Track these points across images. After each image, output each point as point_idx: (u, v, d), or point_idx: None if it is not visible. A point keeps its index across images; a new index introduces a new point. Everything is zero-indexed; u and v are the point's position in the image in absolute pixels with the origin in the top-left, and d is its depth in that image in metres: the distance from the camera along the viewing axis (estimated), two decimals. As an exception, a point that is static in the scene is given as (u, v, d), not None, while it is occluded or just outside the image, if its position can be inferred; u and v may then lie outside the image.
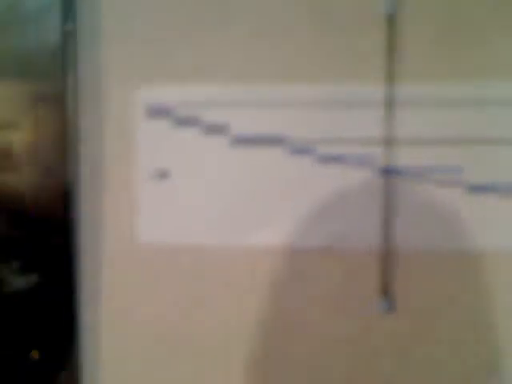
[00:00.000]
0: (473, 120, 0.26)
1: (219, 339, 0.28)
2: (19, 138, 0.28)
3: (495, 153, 0.26)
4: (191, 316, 0.28)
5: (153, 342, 0.28)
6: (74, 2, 0.28)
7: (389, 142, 0.26)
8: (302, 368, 0.27)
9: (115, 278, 0.28)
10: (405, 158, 0.26)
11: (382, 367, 0.27)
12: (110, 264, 0.28)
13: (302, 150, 0.27)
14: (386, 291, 0.27)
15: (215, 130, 0.27)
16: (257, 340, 0.27)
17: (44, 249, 0.28)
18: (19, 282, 0.29)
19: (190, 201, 0.28)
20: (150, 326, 0.28)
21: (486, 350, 0.26)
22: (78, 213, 0.28)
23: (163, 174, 0.28)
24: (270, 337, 0.27)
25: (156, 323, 0.28)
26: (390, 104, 0.26)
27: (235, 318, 0.27)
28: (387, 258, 0.26)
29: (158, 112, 0.28)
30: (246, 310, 0.27)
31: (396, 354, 0.27)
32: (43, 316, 0.28)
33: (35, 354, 0.28)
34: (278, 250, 0.27)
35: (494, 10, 0.26)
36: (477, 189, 0.26)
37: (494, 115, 0.26)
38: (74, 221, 0.28)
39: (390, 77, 0.26)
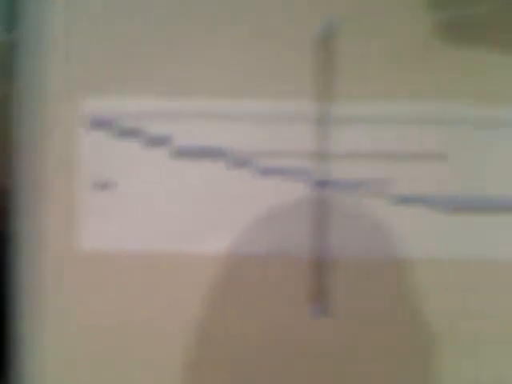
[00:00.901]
0: (403, 136, 0.28)
1: (158, 346, 0.28)
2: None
3: (423, 167, 0.28)
4: (134, 324, 0.28)
5: (96, 351, 0.28)
6: (18, 11, 0.28)
7: (323, 156, 0.28)
8: (239, 372, 0.28)
9: (58, 289, 0.28)
10: (339, 171, 0.28)
11: (315, 371, 0.28)
12: (52, 274, 0.28)
13: (242, 162, 0.28)
14: (317, 298, 0.28)
15: (157, 141, 0.28)
16: (194, 345, 0.28)
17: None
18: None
19: (133, 211, 0.28)
20: (93, 334, 0.28)
21: (418, 353, 0.28)
22: (19, 224, 0.28)
23: (106, 184, 0.28)
24: (207, 343, 0.28)
25: (99, 332, 0.28)
26: (324, 120, 0.28)
27: (176, 325, 0.28)
28: (321, 266, 0.28)
29: (100, 123, 0.28)
30: (185, 316, 0.28)
31: (328, 358, 0.28)
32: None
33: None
34: (217, 258, 0.28)
35: (429, 33, 0.28)
36: (405, 200, 0.28)
37: (422, 132, 0.28)
38: (14, 232, 0.28)
39: (325, 94, 0.28)
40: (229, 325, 0.28)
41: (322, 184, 0.28)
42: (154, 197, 0.28)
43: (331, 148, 0.28)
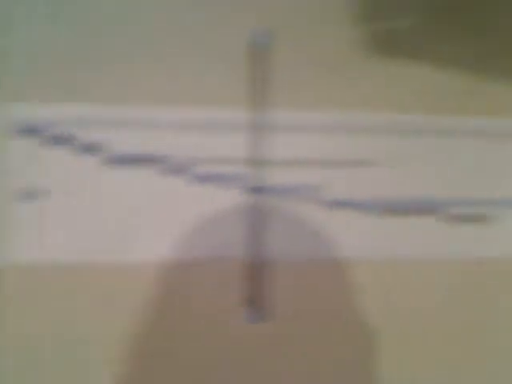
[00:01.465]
0: (335, 143, 0.29)
1: (94, 358, 0.27)
2: None
3: (353, 173, 0.29)
4: (67, 335, 0.27)
5: (30, 365, 0.27)
6: None
7: (258, 163, 0.28)
8: (176, 381, 0.28)
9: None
10: (273, 178, 0.29)
11: (254, 375, 0.28)
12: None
13: (177, 169, 0.28)
14: (253, 302, 0.28)
15: (89, 148, 0.27)
16: (130, 355, 0.27)
17: None
18: None
19: (65, 219, 0.27)
20: (23, 347, 0.27)
21: (356, 353, 0.29)
22: None
23: (35, 193, 0.27)
24: (144, 352, 0.28)
25: (30, 344, 0.27)
26: (258, 127, 0.28)
27: (112, 334, 0.27)
28: (256, 270, 0.28)
29: (28, 130, 0.27)
30: (122, 326, 0.27)
31: (266, 363, 0.28)
32: None
33: None
34: (153, 265, 0.28)
35: (359, 45, 0.29)
36: (336, 204, 0.29)
37: (353, 140, 0.29)
38: None
39: (260, 102, 0.28)
40: (167, 332, 0.28)
41: (257, 190, 0.28)
42: (88, 205, 0.27)
43: (266, 155, 0.29)
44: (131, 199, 0.28)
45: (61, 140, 0.27)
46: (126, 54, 0.28)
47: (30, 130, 0.27)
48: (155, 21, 0.28)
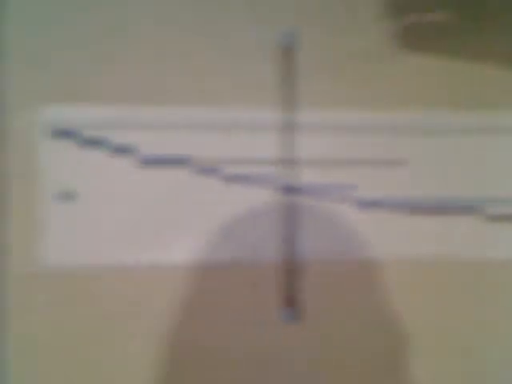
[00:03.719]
0: (365, 143, 0.29)
1: (125, 360, 0.27)
2: None
3: (385, 172, 0.29)
4: (101, 340, 0.27)
5: (63, 369, 0.27)
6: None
7: (289, 162, 0.28)
8: (212, 380, 0.28)
9: (20, 304, 0.27)
10: (304, 177, 0.28)
11: (289, 375, 0.28)
12: (15, 290, 0.27)
13: (207, 170, 0.28)
14: (289, 302, 0.28)
15: (122, 150, 0.28)
16: (164, 357, 0.27)
17: None
18: None
19: (98, 222, 0.28)
20: (58, 351, 0.27)
21: (392, 354, 0.28)
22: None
23: (69, 195, 0.27)
24: (179, 353, 0.28)
25: (64, 348, 0.27)
26: (288, 127, 0.28)
27: (143, 337, 0.27)
28: (290, 270, 0.28)
29: (63, 133, 0.28)
30: (152, 328, 0.27)
31: (302, 362, 0.28)
32: None
33: None
34: (186, 267, 0.28)
35: (388, 44, 0.29)
36: (368, 204, 0.29)
37: (384, 140, 0.29)
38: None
39: (289, 102, 0.28)
40: (200, 333, 0.28)
41: (289, 190, 0.28)
42: (119, 207, 0.28)
43: (297, 155, 0.28)
44: (163, 201, 0.28)
45: (93, 142, 0.28)
46: (156, 56, 0.28)
47: (65, 133, 0.28)
48: (182, 21, 0.28)
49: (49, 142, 0.28)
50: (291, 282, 0.28)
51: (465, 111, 0.29)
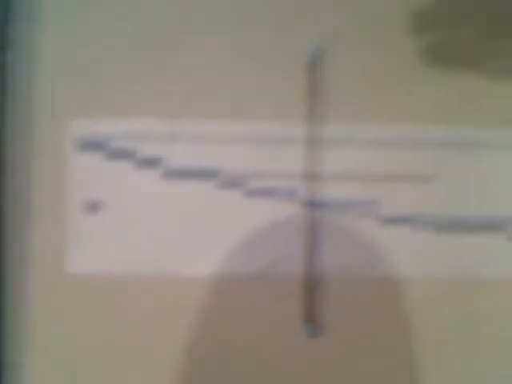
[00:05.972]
0: (391, 158, 0.29)
1: (148, 372, 0.28)
2: None
3: (407, 189, 0.28)
4: (126, 348, 0.28)
5: (88, 377, 0.28)
6: (8, 34, 0.28)
7: (312, 177, 0.28)
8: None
9: (46, 314, 0.28)
10: (327, 192, 0.28)
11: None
12: (41, 299, 0.28)
13: (231, 183, 0.28)
14: (310, 317, 0.28)
15: (148, 162, 0.28)
16: (185, 370, 0.28)
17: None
18: None
19: (123, 232, 0.28)
20: (83, 359, 0.28)
21: (411, 374, 0.28)
22: (7, 247, 0.28)
23: (95, 206, 0.28)
24: (198, 367, 0.28)
25: (89, 356, 0.28)
26: (313, 142, 0.28)
27: (166, 349, 0.28)
28: (311, 286, 0.28)
29: (90, 145, 0.28)
30: (176, 340, 0.28)
31: (320, 379, 0.28)
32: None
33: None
34: (209, 280, 0.28)
35: (414, 58, 0.29)
36: (392, 221, 0.28)
37: (409, 154, 0.29)
38: (2, 255, 0.28)
39: (314, 116, 0.28)
40: (222, 347, 0.28)
41: (312, 204, 0.28)
42: (145, 218, 0.28)
43: (321, 169, 0.28)
44: (187, 213, 0.28)
45: (120, 154, 0.28)
46: (183, 68, 0.28)
47: (92, 145, 0.28)
48: (208, 35, 0.29)
49: (78, 154, 0.28)
50: (312, 297, 0.28)
51: (490, 128, 0.29)
